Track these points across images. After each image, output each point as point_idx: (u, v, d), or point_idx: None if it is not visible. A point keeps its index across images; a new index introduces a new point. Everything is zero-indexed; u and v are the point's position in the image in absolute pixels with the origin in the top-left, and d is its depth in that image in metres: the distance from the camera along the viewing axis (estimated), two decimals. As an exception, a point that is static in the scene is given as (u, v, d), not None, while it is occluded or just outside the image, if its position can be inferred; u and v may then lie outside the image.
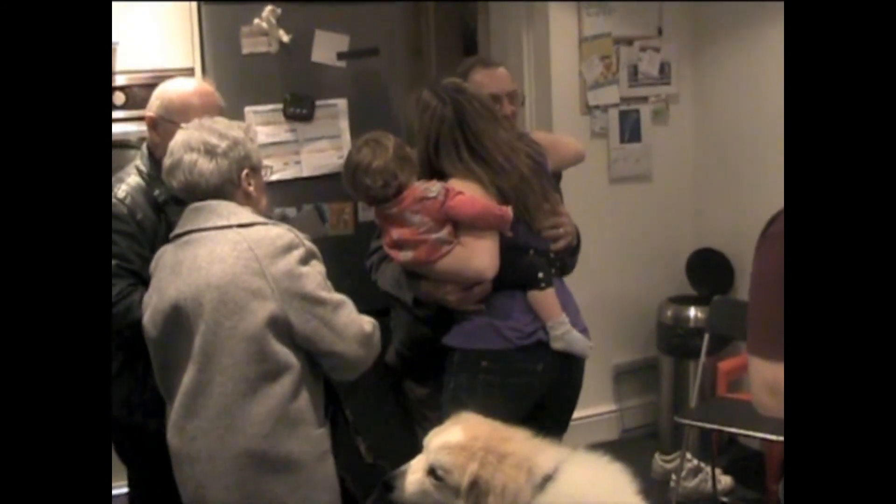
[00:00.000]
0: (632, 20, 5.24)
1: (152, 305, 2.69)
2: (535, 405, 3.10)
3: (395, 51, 4.19)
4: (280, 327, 2.58)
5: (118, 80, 3.69)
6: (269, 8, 3.85)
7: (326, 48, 3.98)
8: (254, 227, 2.63)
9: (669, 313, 5.22)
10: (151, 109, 3.08)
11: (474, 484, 2.47)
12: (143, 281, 2.92)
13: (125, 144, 3.68)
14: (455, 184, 3.05)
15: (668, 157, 5.42)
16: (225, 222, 2.63)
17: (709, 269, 5.35)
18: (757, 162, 5.05)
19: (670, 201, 5.47)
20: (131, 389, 3.03)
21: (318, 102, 3.96)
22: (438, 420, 3.55)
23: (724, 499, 4.70)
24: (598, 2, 5.12)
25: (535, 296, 3.09)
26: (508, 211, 3.02)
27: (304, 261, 2.64)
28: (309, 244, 2.70)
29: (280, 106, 3.87)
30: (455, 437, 2.57)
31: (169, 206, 3.02)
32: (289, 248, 2.61)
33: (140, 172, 3.08)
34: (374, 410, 4.01)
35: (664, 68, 5.35)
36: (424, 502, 2.59)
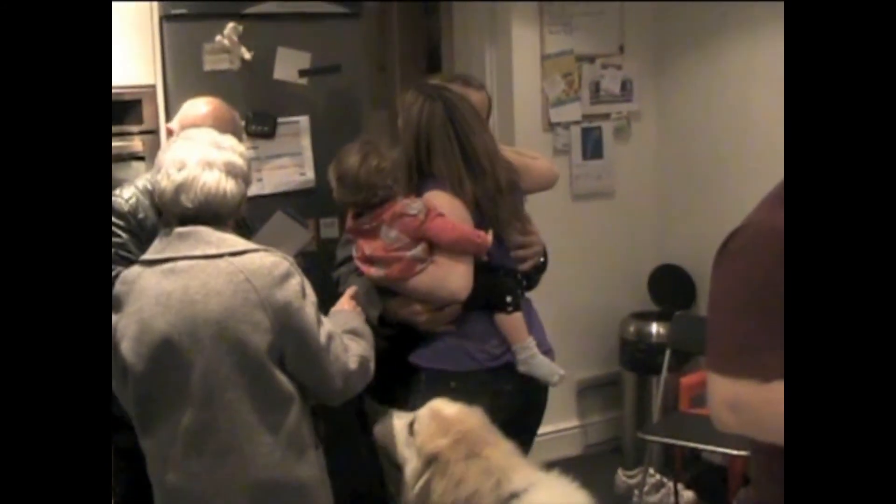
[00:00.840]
0: (594, 38, 5.27)
1: (134, 337, 2.51)
2: (500, 425, 3.09)
3: (358, 67, 4.20)
4: (277, 357, 2.51)
5: (79, 97, 3.67)
6: (231, 25, 3.85)
7: (288, 65, 3.98)
8: (247, 255, 2.51)
9: (632, 329, 5.25)
10: (172, 122, 3.19)
11: (433, 458, 2.49)
12: None
13: (134, 157, 3.68)
14: (437, 197, 3.02)
15: (630, 173, 5.45)
16: (215, 251, 2.49)
17: (671, 285, 5.38)
18: (719, 178, 5.09)
19: (632, 218, 5.50)
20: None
21: (280, 120, 3.95)
22: None
23: (687, 514, 4.72)
24: (561, 17, 5.15)
25: (503, 319, 3.08)
26: (487, 238, 3.00)
27: (301, 291, 2.54)
28: (300, 271, 2.60)
29: (242, 123, 3.86)
30: (448, 411, 2.62)
31: None
32: (286, 277, 2.51)
33: (168, 177, 3.11)
34: (336, 431, 4.01)
35: (626, 85, 5.38)
36: (390, 449, 2.70)
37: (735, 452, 4.11)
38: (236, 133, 3.09)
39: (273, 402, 2.52)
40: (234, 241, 2.55)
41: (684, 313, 4.94)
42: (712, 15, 5.04)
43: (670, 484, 4.72)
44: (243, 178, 2.60)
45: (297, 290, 2.53)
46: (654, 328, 5.17)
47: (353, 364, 2.62)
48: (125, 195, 3.10)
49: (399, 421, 2.73)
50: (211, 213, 2.54)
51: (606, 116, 5.37)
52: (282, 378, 2.53)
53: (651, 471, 4.70)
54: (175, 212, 2.56)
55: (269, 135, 3.91)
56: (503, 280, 3.12)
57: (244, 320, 2.45)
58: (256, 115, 3.90)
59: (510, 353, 3.08)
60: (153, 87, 3.80)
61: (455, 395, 3.03)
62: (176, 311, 2.46)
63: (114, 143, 3.70)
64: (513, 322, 3.08)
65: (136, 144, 3.69)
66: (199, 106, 3.19)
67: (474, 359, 3.06)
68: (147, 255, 2.59)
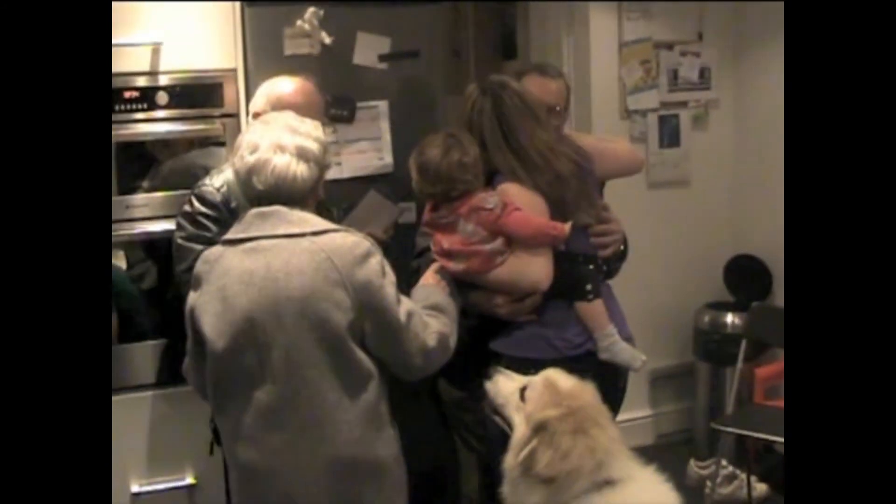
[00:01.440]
0: (672, 25, 5.23)
1: (216, 314, 2.57)
2: None
3: (435, 53, 4.19)
4: (357, 335, 2.56)
5: (161, 80, 3.71)
6: (311, 10, 3.87)
7: (368, 50, 3.99)
8: (328, 235, 2.57)
9: (707, 319, 5.21)
10: (257, 106, 3.19)
11: (541, 427, 2.49)
12: None
13: (215, 142, 3.72)
14: (510, 189, 3.03)
15: (706, 162, 5.40)
16: (297, 230, 2.56)
17: (747, 276, 5.33)
18: (797, 168, 5.03)
19: (708, 207, 5.45)
20: None
21: (359, 104, 3.97)
22: (473, 423, 3.58)
23: (760, 506, 4.69)
24: (640, 3, 5.12)
25: (584, 307, 3.08)
26: (564, 229, 2.99)
27: (381, 270, 2.59)
28: (380, 250, 2.65)
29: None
30: (563, 383, 2.63)
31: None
32: (367, 257, 2.57)
33: (244, 160, 3.15)
34: (409, 411, 4.03)
35: (704, 73, 5.34)
36: (499, 409, 2.73)
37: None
38: (321, 114, 3.17)
39: (353, 379, 2.56)
40: (315, 221, 2.60)
41: (761, 304, 4.89)
42: (793, 2, 4.97)
43: (743, 476, 4.69)
44: (315, 162, 2.64)
45: (378, 268, 2.57)
46: (730, 318, 5.13)
47: (431, 341, 2.66)
48: (216, 184, 3.15)
49: (511, 383, 2.75)
50: (283, 195, 2.60)
51: (684, 104, 5.33)
52: (362, 356, 2.57)
53: (724, 462, 4.67)
54: (249, 194, 2.64)
55: (349, 119, 3.93)
56: (582, 268, 3.11)
57: (326, 298, 2.50)
58: (336, 100, 3.91)
59: (591, 342, 3.07)
60: (234, 70, 3.83)
61: None
62: (259, 289, 2.52)
63: (195, 127, 3.76)
64: (594, 310, 3.08)
65: (217, 128, 3.73)
66: (286, 85, 3.23)
67: (555, 347, 3.05)
68: (229, 235, 2.65)
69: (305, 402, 2.53)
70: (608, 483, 2.44)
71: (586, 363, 3.04)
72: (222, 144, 3.74)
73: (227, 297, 2.56)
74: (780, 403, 4.87)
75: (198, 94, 3.77)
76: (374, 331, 2.58)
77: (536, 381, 2.68)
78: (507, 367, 3.04)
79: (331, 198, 3.55)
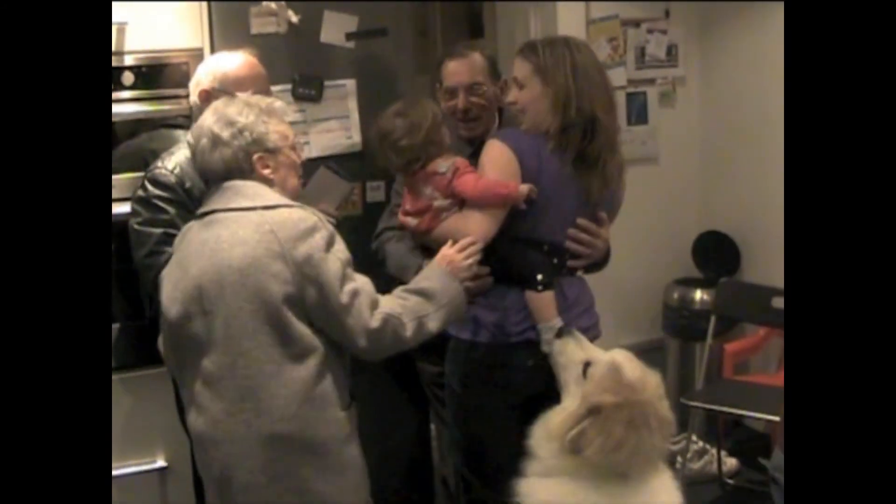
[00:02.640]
0: (639, 2, 5.23)
1: (172, 283, 2.70)
2: (529, 398, 3.04)
3: (402, 32, 4.18)
4: (299, 310, 2.59)
5: (126, 61, 3.67)
6: (277, -12, 3.85)
7: (335, 28, 3.97)
8: (277, 210, 2.63)
9: (675, 295, 5.23)
10: (203, 84, 3.19)
11: (595, 410, 2.51)
12: None
13: (171, 125, 3.70)
14: (489, 148, 3.07)
15: (674, 139, 5.42)
16: (249, 203, 2.64)
17: (715, 252, 5.36)
18: (763, 144, 5.05)
19: (677, 183, 5.47)
20: None
21: (326, 83, 3.94)
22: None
23: (730, 480, 4.72)
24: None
25: (531, 296, 3.05)
26: (516, 187, 2.97)
27: (327, 246, 2.62)
28: (330, 227, 2.68)
29: (289, 86, 3.86)
30: (630, 372, 2.63)
31: None
32: (311, 232, 2.60)
33: (190, 145, 3.12)
34: (383, 388, 4.03)
35: (671, 50, 5.35)
36: (557, 368, 2.82)
37: (777, 419, 4.09)
38: (267, 84, 3.24)
39: (292, 353, 2.59)
40: (268, 196, 2.68)
41: (729, 280, 4.92)
42: (759, -21, 4.99)
43: (713, 451, 4.73)
44: (227, 144, 2.71)
45: (321, 244, 2.60)
46: (699, 294, 5.16)
47: (375, 322, 2.64)
48: (168, 166, 3.11)
49: (579, 353, 2.78)
50: (210, 177, 2.77)
51: (652, 82, 5.34)
52: (303, 331, 2.60)
53: (694, 437, 4.70)
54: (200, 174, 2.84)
55: (316, 98, 3.90)
56: (539, 256, 3.08)
57: (264, 269, 2.56)
58: (303, 79, 3.89)
59: (532, 331, 3.04)
60: (200, 49, 3.80)
61: (473, 365, 3.11)
62: (207, 258, 2.62)
63: (163, 107, 3.72)
64: (540, 300, 3.04)
65: (185, 107, 3.69)
66: (231, 60, 3.23)
67: (491, 331, 3.07)
68: (199, 210, 2.76)
69: (242, 371, 2.57)
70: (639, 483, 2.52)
71: (528, 351, 3.04)
72: (186, 127, 3.70)
73: (183, 266, 2.68)
74: (749, 378, 4.91)
75: (164, 74, 3.73)
76: (315, 306, 2.60)
77: (603, 360, 2.69)
78: (454, 348, 3.16)
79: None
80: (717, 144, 5.44)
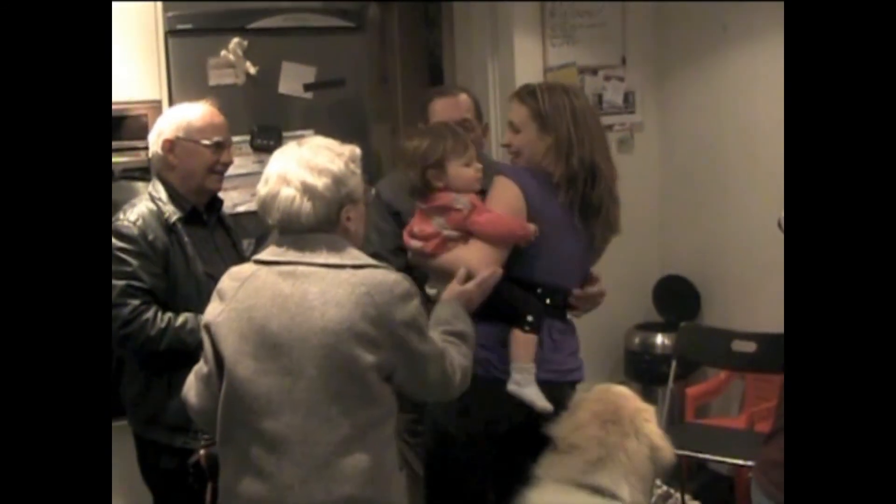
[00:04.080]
0: (596, 49, 5.28)
1: (240, 334, 2.47)
2: (509, 430, 3.09)
3: (361, 81, 4.21)
4: (385, 373, 2.47)
5: (85, 113, 3.68)
6: (235, 40, 3.87)
7: (293, 79, 4.00)
8: (368, 270, 2.48)
9: (637, 340, 5.25)
10: (166, 134, 3.19)
11: (575, 404, 3.01)
12: (156, 298, 3.06)
13: (129, 177, 3.70)
14: (498, 183, 3.07)
15: (633, 184, 5.39)
16: (338, 260, 2.47)
17: (675, 296, 5.38)
18: (722, 188, 5.10)
19: (636, 229, 5.47)
20: (156, 407, 3.10)
21: (285, 133, 3.97)
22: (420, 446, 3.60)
23: (694, 524, 4.72)
24: (564, 29, 5.16)
25: (516, 335, 3.04)
26: (530, 229, 2.99)
27: (420, 313, 2.52)
28: (417, 290, 2.59)
29: (247, 137, 3.88)
30: (619, 387, 3.14)
31: (179, 226, 3.15)
32: (407, 298, 2.48)
33: (152, 197, 3.18)
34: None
35: (628, 97, 5.39)
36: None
37: (741, 462, 4.11)
38: (228, 134, 3.27)
39: (375, 417, 2.48)
40: (355, 254, 2.52)
41: (689, 324, 4.94)
42: (713, 26, 5.04)
43: (677, 494, 4.72)
44: (321, 198, 2.49)
45: (415, 311, 2.50)
46: (659, 339, 5.17)
47: (457, 380, 2.63)
48: (131, 217, 3.10)
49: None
50: (296, 227, 2.51)
51: (609, 128, 5.33)
52: (385, 394, 2.51)
53: (658, 481, 4.69)
54: (269, 223, 2.57)
55: (275, 148, 3.89)
56: (530, 298, 3.08)
57: (360, 334, 2.41)
58: (262, 129, 3.91)
59: (501, 370, 3.04)
60: (159, 102, 3.81)
61: (468, 401, 2.95)
62: (292, 315, 2.42)
63: (121, 159, 3.73)
64: (525, 341, 3.03)
65: (143, 159, 3.70)
66: (193, 110, 3.25)
67: (481, 364, 2.99)
68: (263, 256, 2.55)
69: (326, 437, 2.42)
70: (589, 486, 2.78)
71: (494, 389, 3.02)
72: (145, 179, 3.70)
73: (256, 318, 2.45)
74: (712, 421, 4.92)
75: (123, 126, 3.75)
76: (404, 370, 2.51)
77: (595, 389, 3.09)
78: None
79: (249, 227, 3.54)
80: (675, 189, 5.47)
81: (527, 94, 3.15)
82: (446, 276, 3.02)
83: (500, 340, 3.06)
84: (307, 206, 2.47)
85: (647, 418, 3.00)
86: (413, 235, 3.09)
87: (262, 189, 2.53)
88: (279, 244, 2.53)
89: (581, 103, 3.14)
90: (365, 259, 2.52)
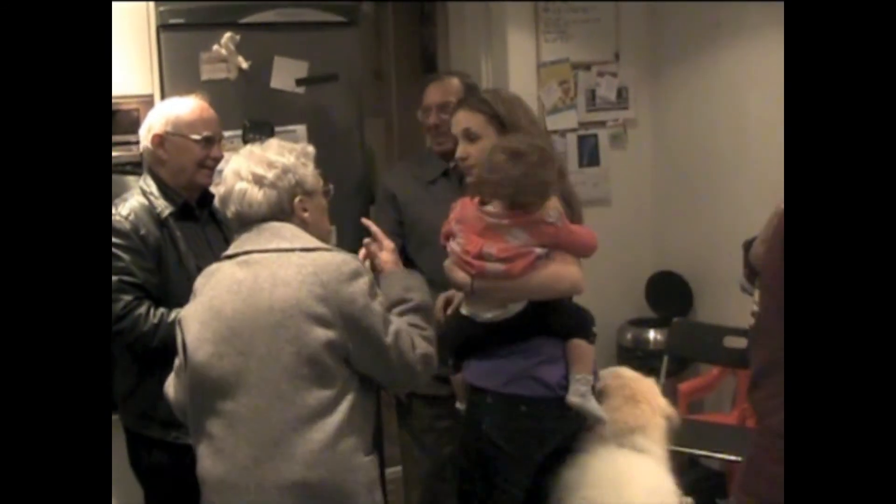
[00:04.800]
0: (589, 45, 5.28)
1: (202, 322, 2.60)
2: (554, 452, 3.08)
3: (353, 76, 4.20)
4: (339, 352, 2.53)
5: (76, 107, 3.67)
6: (227, 34, 3.86)
7: (285, 74, 3.99)
8: (318, 252, 2.59)
9: (629, 336, 5.25)
10: (156, 128, 3.19)
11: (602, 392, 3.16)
12: (149, 294, 3.05)
13: (121, 171, 3.69)
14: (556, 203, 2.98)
15: (626, 180, 5.45)
16: (288, 245, 2.59)
17: (668, 292, 5.38)
18: (715, 184, 5.10)
19: (629, 224, 5.50)
20: (148, 402, 3.09)
21: (277, 129, 3.95)
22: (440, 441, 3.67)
23: (686, 520, 4.72)
24: (557, 25, 5.16)
25: (581, 346, 3.01)
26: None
27: (370, 290, 2.58)
28: (371, 272, 2.66)
29: (239, 132, 3.87)
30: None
31: (170, 221, 3.15)
32: (355, 276, 2.56)
33: (143, 192, 3.18)
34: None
35: (622, 93, 5.39)
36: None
37: (733, 458, 4.11)
38: (219, 128, 3.28)
39: (328, 398, 2.53)
40: (306, 239, 2.63)
41: (682, 320, 4.94)
42: (707, 21, 5.05)
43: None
44: (271, 185, 2.65)
45: (365, 288, 2.56)
46: (652, 335, 5.17)
47: (419, 365, 2.64)
48: (123, 212, 3.10)
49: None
50: (250, 220, 2.66)
51: (602, 124, 5.37)
52: (340, 374, 2.55)
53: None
54: (229, 217, 2.73)
55: (267, 143, 3.92)
56: (584, 308, 3.09)
57: (307, 312, 2.49)
58: (254, 124, 3.90)
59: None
60: (151, 96, 3.80)
61: (525, 419, 2.99)
62: (243, 299, 2.54)
63: (114, 154, 3.72)
64: (587, 352, 3.02)
65: (135, 153, 3.69)
66: (183, 104, 3.25)
67: (547, 385, 2.98)
68: (227, 252, 2.69)
69: (278, 415, 2.49)
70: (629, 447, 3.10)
71: (562, 406, 3.00)
72: (137, 174, 3.69)
73: (215, 306, 2.58)
74: (703, 418, 4.93)
75: (114, 121, 3.73)
76: (358, 349, 2.55)
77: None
78: (496, 404, 3.00)
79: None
80: (668, 185, 5.48)
81: (476, 101, 3.18)
82: (496, 299, 2.97)
83: (556, 354, 3.01)
84: (258, 195, 2.63)
85: (655, 392, 3.28)
86: (481, 256, 2.94)
87: (220, 188, 2.70)
88: (238, 237, 2.68)
89: (524, 102, 3.22)
90: (316, 243, 2.62)
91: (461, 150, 3.16)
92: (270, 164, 2.66)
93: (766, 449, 2.02)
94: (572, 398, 2.97)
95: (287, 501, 2.49)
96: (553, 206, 2.93)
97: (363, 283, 2.57)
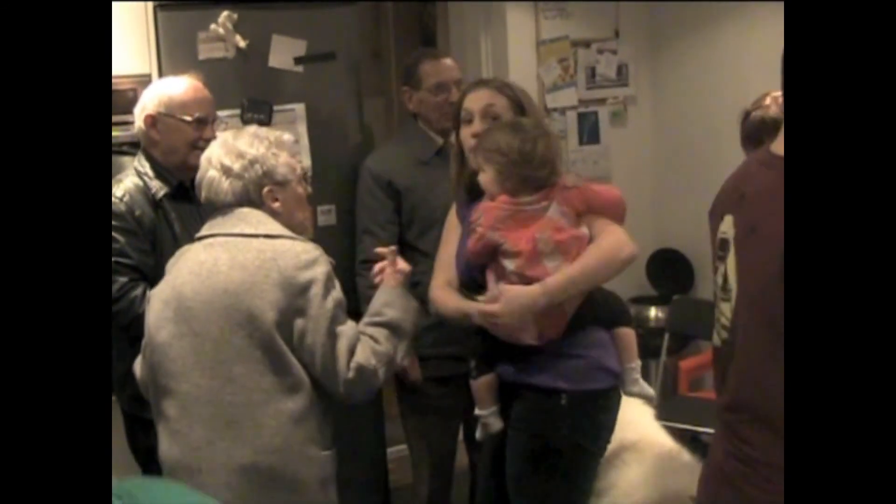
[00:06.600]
0: (589, 23, 5.27)
1: (164, 300, 2.64)
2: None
3: (353, 54, 4.19)
4: (289, 338, 2.53)
5: (73, 87, 3.66)
6: (225, 13, 3.84)
7: (283, 53, 3.97)
8: (280, 239, 2.60)
9: (631, 313, 5.25)
10: (148, 109, 3.17)
11: None
12: (144, 275, 3.03)
13: (117, 151, 3.66)
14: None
15: (626, 158, 5.45)
16: (252, 230, 2.61)
17: (669, 269, 5.38)
18: (715, 162, 5.06)
19: (629, 202, 5.35)
20: None
21: (275, 107, 3.94)
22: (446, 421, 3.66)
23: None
24: (556, 2, 5.15)
25: (627, 334, 2.93)
26: None
27: (326, 281, 2.57)
28: (330, 265, 2.63)
29: (237, 111, 3.86)
30: None
31: (165, 202, 3.14)
32: (312, 264, 2.56)
33: (138, 172, 3.17)
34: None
35: (621, 70, 5.38)
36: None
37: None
38: (213, 108, 3.26)
39: (282, 385, 2.54)
40: (273, 226, 2.65)
41: (683, 297, 4.95)
42: (707, -2, 5.04)
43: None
44: (237, 176, 2.66)
45: (320, 277, 2.57)
46: (653, 312, 5.18)
47: (351, 374, 2.58)
48: (118, 193, 3.09)
49: None
50: (217, 205, 2.70)
51: (602, 101, 5.37)
52: (294, 362, 2.55)
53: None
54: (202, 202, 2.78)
55: (265, 123, 3.89)
56: (616, 294, 3.01)
57: (260, 295, 2.51)
58: (252, 103, 3.89)
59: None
60: (148, 76, 3.79)
61: (603, 413, 2.90)
62: (202, 281, 2.57)
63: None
64: (633, 338, 2.95)
65: (132, 133, 3.67)
66: (176, 84, 3.23)
67: (614, 374, 2.89)
68: (199, 233, 2.72)
69: (229, 397, 2.52)
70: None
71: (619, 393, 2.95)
72: (132, 153, 3.68)
73: (177, 287, 2.62)
74: (705, 395, 4.93)
75: (113, 100, 3.71)
76: (299, 337, 2.54)
77: None
78: (572, 404, 2.82)
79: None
80: (669, 162, 5.47)
81: (501, 84, 3.08)
82: (595, 273, 2.83)
83: (607, 342, 2.91)
84: (225, 184, 2.67)
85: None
86: (536, 252, 2.77)
87: (198, 174, 2.74)
88: (210, 220, 2.71)
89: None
90: (281, 230, 2.64)
91: (477, 125, 2.97)
92: (239, 155, 2.67)
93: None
94: (633, 388, 2.93)
95: (236, 484, 2.51)
96: (569, 173, 2.91)
97: (320, 272, 2.57)
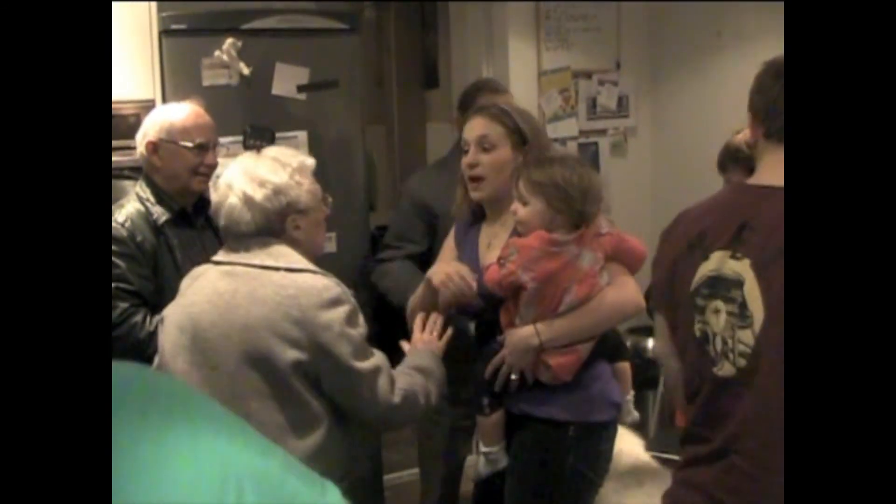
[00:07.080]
0: (590, 54, 5.30)
1: (179, 327, 2.59)
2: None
3: (355, 83, 4.22)
4: (310, 377, 2.50)
5: (77, 112, 3.68)
6: (229, 40, 3.87)
7: (287, 80, 4.00)
8: (302, 274, 2.54)
9: (628, 344, 5.23)
10: (150, 135, 3.17)
11: None
12: (145, 301, 3.02)
13: (120, 176, 3.68)
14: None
15: (626, 189, 5.46)
16: (273, 262, 2.55)
17: (667, 300, 5.37)
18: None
19: (628, 232, 5.48)
20: None
21: (278, 135, 3.96)
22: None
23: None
24: (558, 33, 5.18)
25: (624, 367, 3.00)
26: None
27: (348, 319, 2.53)
28: (353, 300, 2.59)
29: (240, 138, 3.87)
30: None
31: (167, 227, 3.14)
32: (334, 303, 2.51)
33: (139, 198, 3.16)
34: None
35: (622, 101, 5.40)
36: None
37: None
38: (214, 134, 3.24)
39: (296, 423, 2.51)
40: (294, 258, 2.58)
41: (680, 328, 4.94)
42: (707, 31, 5.06)
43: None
44: (260, 207, 2.57)
45: (342, 316, 2.52)
46: (650, 343, 5.17)
47: (396, 398, 2.59)
48: (119, 219, 3.09)
49: None
50: (234, 233, 2.62)
51: (603, 132, 5.39)
52: (310, 399, 2.52)
53: (648, 485, 4.70)
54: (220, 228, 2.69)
55: (268, 149, 3.93)
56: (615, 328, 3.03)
57: (279, 333, 2.47)
58: (255, 130, 3.91)
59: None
60: (152, 101, 3.81)
61: (607, 443, 2.94)
62: (220, 313, 2.52)
63: (114, 158, 3.71)
64: (629, 371, 3.02)
65: (134, 158, 3.69)
66: (177, 111, 3.24)
67: (616, 405, 2.93)
68: (216, 257, 2.67)
69: None
70: None
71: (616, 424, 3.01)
72: (134, 178, 3.70)
73: (194, 314, 2.57)
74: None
75: (117, 125, 3.73)
76: (329, 377, 2.53)
77: None
78: (578, 435, 2.85)
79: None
80: (668, 194, 5.48)
81: (498, 110, 3.02)
82: (605, 315, 2.86)
83: (608, 374, 2.96)
84: (247, 215, 2.58)
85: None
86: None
87: (214, 196, 2.66)
88: (228, 245, 2.65)
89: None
90: (303, 263, 2.57)
91: (471, 156, 2.97)
92: (262, 183, 2.59)
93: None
94: (627, 418, 3.03)
95: None
96: (601, 218, 2.85)
97: (342, 310, 2.52)
